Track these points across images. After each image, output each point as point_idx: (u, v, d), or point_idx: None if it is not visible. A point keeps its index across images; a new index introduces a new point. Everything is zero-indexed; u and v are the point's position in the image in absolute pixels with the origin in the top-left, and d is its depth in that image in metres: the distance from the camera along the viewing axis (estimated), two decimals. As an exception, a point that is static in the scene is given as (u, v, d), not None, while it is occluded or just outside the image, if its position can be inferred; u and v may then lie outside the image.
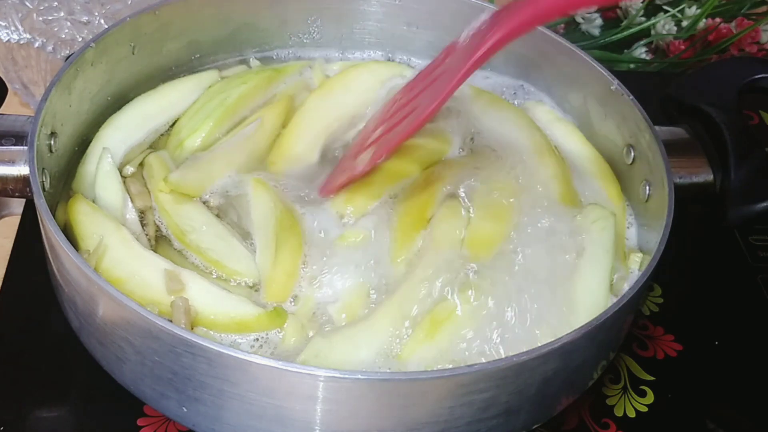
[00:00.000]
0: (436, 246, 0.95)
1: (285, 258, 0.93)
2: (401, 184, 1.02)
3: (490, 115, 1.13)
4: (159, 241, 0.97)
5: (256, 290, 0.93)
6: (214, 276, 0.93)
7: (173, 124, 1.08)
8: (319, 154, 1.07)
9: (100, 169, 0.98)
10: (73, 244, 0.83)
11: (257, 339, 0.88)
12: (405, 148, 1.03)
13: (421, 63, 1.21)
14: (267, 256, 0.94)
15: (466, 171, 1.03)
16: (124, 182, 0.99)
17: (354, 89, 1.14)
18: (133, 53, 1.08)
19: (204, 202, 1.00)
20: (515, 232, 0.96)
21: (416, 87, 0.94)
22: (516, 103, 1.17)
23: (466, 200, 1.00)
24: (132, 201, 0.98)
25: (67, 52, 1.23)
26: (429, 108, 0.87)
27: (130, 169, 1.02)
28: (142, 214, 0.98)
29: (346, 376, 0.74)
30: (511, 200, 1.00)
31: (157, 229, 0.97)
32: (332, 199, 1.00)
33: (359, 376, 0.75)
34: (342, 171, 0.99)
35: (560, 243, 0.96)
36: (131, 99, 1.07)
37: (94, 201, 0.97)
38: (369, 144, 0.95)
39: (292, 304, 0.91)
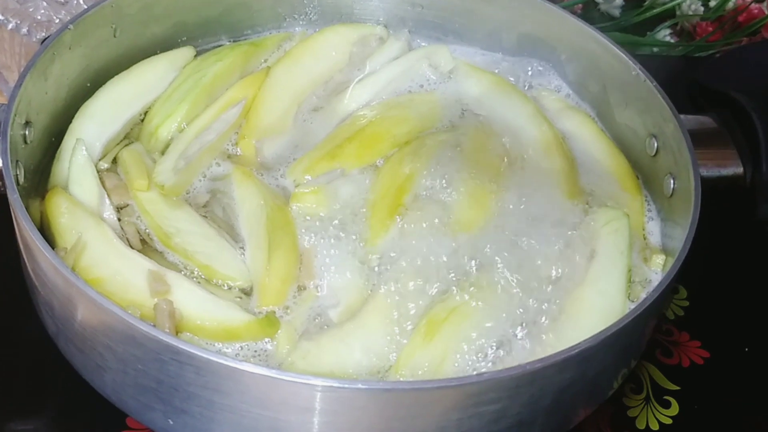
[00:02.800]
0: (416, 237, 0.95)
1: (279, 261, 0.93)
2: (373, 159, 1.04)
3: (492, 99, 1.13)
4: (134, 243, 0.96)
5: (247, 295, 0.93)
6: (203, 280, 0.93)
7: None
8: (292, 122, 1.09)
9: (74, 163, 0.97)
10: (49, 243, 0.83)
11: (242, 347, 0.88)
12: (382, 119, 1.06)
13: (426, 44, 1.21)
14: (259, 258, 0.94)
15: (449, 150, 1.04)
16: (99, 177, 0.99)
17: (322, 55, 1.15)
18: (114, 36, 1.08)
19: (186, 199, 1.00)
20: (516, 228, 0.97)
21: None
22: (528, 90, 1.17)
23: (447, 184, 1.01)
24: (108, 197, 0.98)
25: (44, 34, 1.23)
26: None
27: (104, 165, 1.01)
28: (119, 212, 0.98)
29: (346, 385, 0.74)
30: (497, 184, 1.00)
31: (137, 229, 0.97)
32: (290, 169, 1.02)
33: (360, 386, 0.75)
34: None
35: (567, 243, 0.97)
36: (108, 81, 1.07)
37: (69, 198, 0.97)
38: None
39: (287, 311, 0.91)
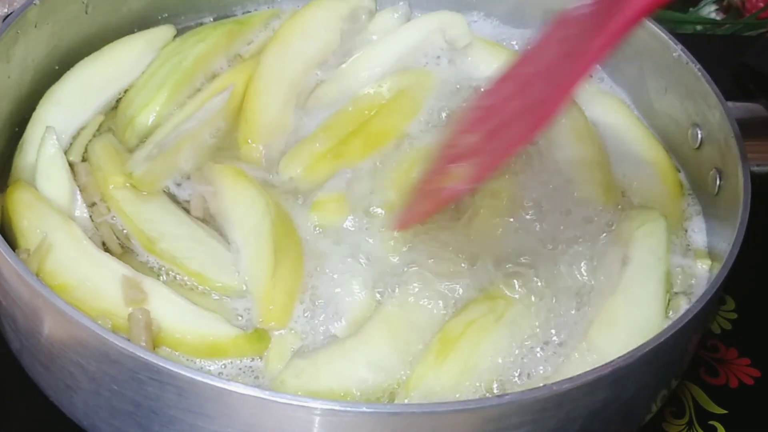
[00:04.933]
0: (427, 241, 0.95)
1: (285, 274, 0.93)
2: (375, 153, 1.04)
3: None
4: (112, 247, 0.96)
5: (241, 304, 0.92)
6: (183, 288, 0.93)
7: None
8: (293, 116, 1.08)
9: (43, 153, 0.97)
10: (10, 244, 0.83)
11: (225, 365, 0.88)
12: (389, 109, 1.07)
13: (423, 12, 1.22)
14: (261, 269, 0.93)
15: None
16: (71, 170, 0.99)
17: (312, 33, 1.15)
18: (86, 12, 1.08)
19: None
20: (539, 230, 0.96)
21: (515, 78, 0.88)
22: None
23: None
24: (81, 193, 0.97)
25: (6, 10, 1.23)
26: (555, 95, 0.80)
27: (71, 160, 1.01)
28: (92, 209, 0.98)
29: (348, 408, 0.74)
30: (519, 179, 1.00)
31: (114, 231, 0.97)
32: (284, 162, 1.02)
33: (364, 409, 0.75)
34: (424, 195, 0.90)
35: (598, 248, 0.97)
36: (77, 63, 1.07)
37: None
38: (462, 156, 0.86)
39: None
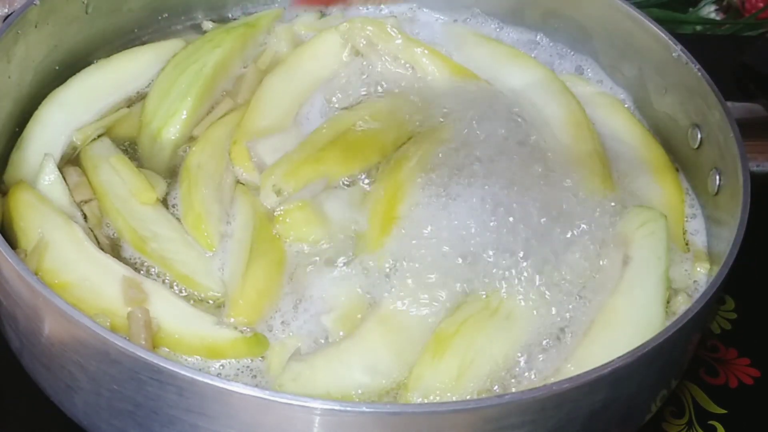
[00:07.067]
0: (419, 244, 0.95)
1: (258, 272, 0.93)
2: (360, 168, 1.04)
3: (508, 74, 1.13)
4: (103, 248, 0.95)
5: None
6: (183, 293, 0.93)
7: (131, 103, 1.08)
8: (293, 122, 1.08)
9: (41, 180, 0.97)
10: (12, 245, 0.83)
11: (224, 365, 0.88)
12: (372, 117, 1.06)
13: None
14: (237, 267, 0.94)
15: (451, 149, 1.03)
16: (60, 172, 0.98)
17: (321, 58, 1.15)
18: (86, 12, 1.08)
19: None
20: (536, 229, 0.96)
21: None
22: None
23: (449, 184, 1.00)
24: (71, 194, 0.97)
25: (6, 10, 1.23)
26: None
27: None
28: (83, 210, 0.98)
29: (348, 408, 0.74)
30: (513, 175, 1.00)
31: (104, 232, 0.97)
32: (267, 173, 1.00)
33: (364, 409, 0.75)
34: None
35: (597, 247, 0.97)
36: (84, 69, 1.07)
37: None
38: None
39: (281, 329, 0.91)
